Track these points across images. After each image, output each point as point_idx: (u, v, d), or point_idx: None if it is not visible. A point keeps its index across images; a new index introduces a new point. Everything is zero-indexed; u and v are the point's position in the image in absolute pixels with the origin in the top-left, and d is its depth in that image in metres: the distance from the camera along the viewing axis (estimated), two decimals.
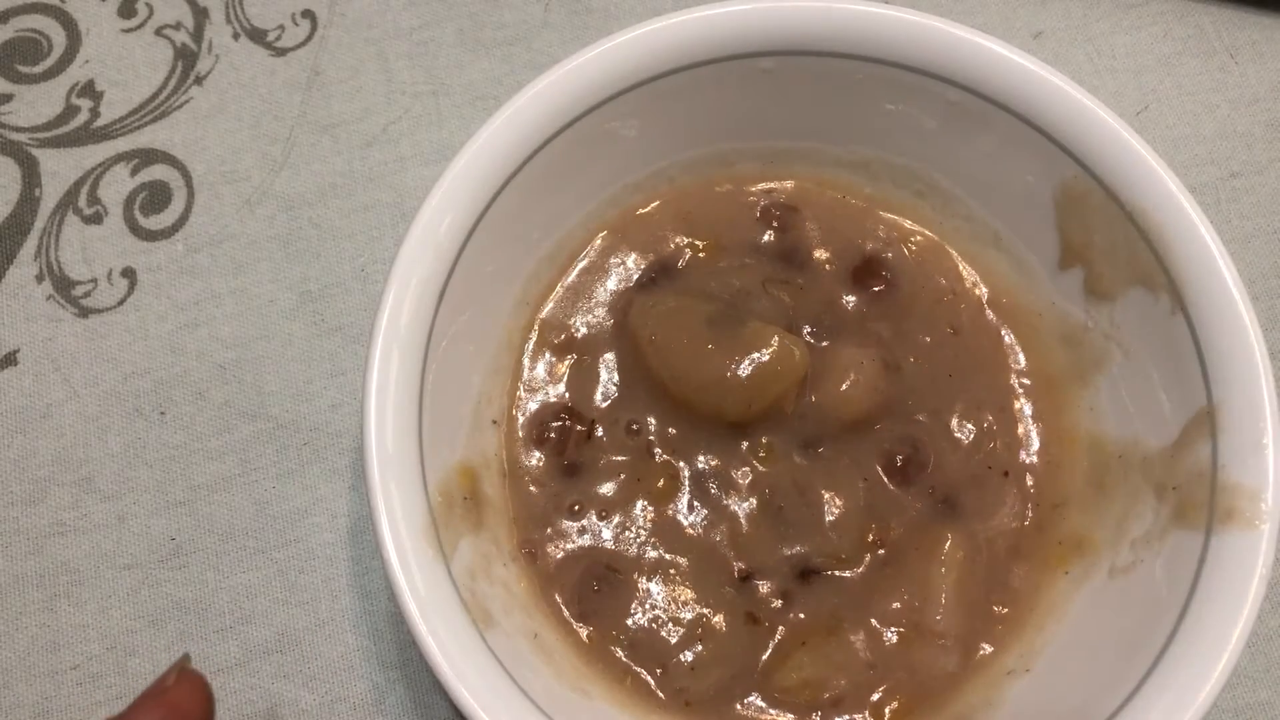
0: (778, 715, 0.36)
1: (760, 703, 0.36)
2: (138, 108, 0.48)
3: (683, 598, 0.37)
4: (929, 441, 0.39)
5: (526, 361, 0.40)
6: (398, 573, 0.31)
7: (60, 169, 0.47)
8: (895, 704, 0.36)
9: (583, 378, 0.40)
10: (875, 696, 0.36)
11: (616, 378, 0.40)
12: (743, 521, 0.38)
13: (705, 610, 0.37)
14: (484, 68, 0.49)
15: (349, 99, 0.48)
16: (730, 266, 0.41)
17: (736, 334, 0.37)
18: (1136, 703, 0.30)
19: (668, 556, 0.38)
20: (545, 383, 0.40)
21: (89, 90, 0.48)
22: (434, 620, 0.31)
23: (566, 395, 0.40)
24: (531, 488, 0.39)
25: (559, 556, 0.38)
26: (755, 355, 0.37)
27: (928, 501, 0.38)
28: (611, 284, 0.42)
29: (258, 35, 0.49)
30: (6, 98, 0.48)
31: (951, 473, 0.39)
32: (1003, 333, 0.41)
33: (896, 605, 0.37)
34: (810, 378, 0.39)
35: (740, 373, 0.37)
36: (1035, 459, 0.39)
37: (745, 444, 0.39)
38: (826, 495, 0.38)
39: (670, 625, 0.37)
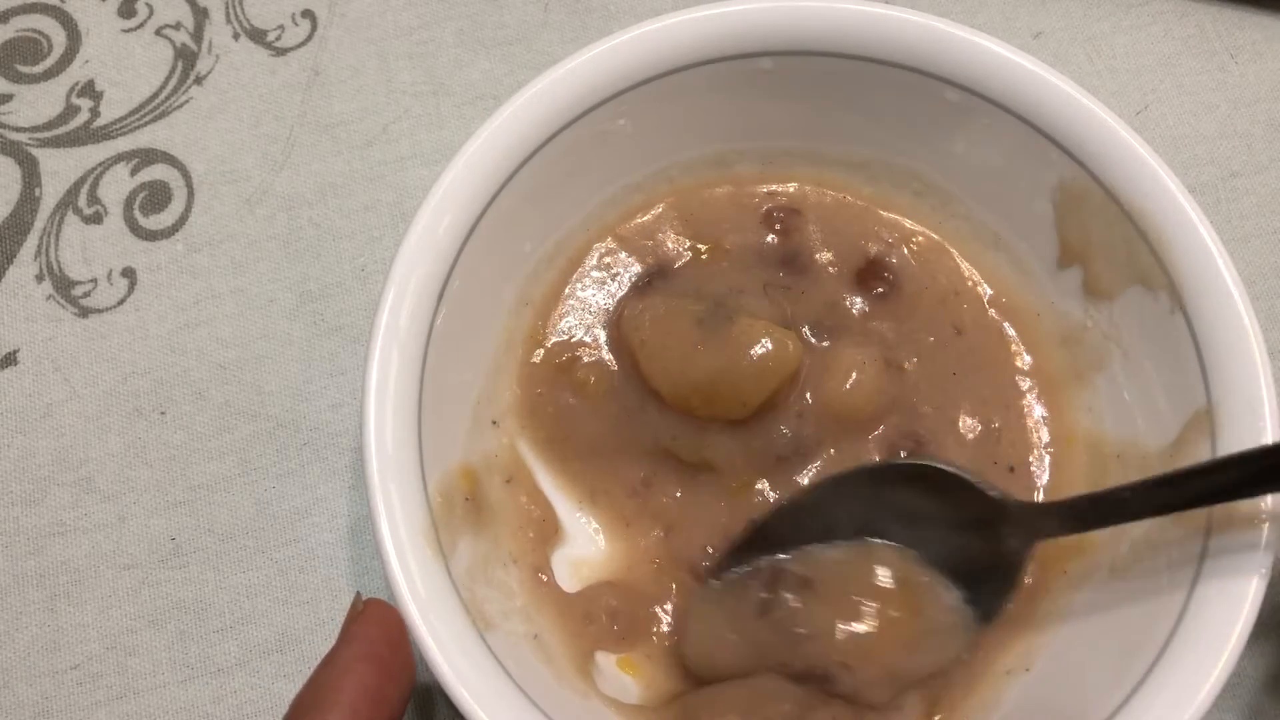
0: None
1: None
2: (138, 108, 0.48)
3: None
4: (932, 437, 0.39)
5: (528, 363, 0.40)
6: (397, 573, 0.31)
7: (60, 169, 0.47)
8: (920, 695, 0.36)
9: (584, 382, 0.40)
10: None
11: (617, 382, 0.40)
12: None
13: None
14: (484, 68, 0.49)
15: (349, 99, 0.48)
16: (731, 268, 0.41)
17: (726, 332, 0.37)
18: (1136, 703, 0.30)
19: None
20: (548, 386, 0.40)
21: (89, 90, 0.48)
22: (434, 621, 0.31)
23: (571, 401, 0.40)
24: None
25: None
26: (746, 351, 0.37)
27: None
28: (611, 286, 0.42)
29: (258, 35, 0.49)
30: (6, 98, 0.48)
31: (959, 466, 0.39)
32: (1005, 331, 0.41)
33: None
34: (812, 378, 0.39)
35: (732, 369, 0.37)
36: (1038, 456, 0.39)
37: (748, 444, 0.39)
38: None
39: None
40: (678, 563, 0.38)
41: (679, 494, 0.39)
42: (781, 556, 0.37)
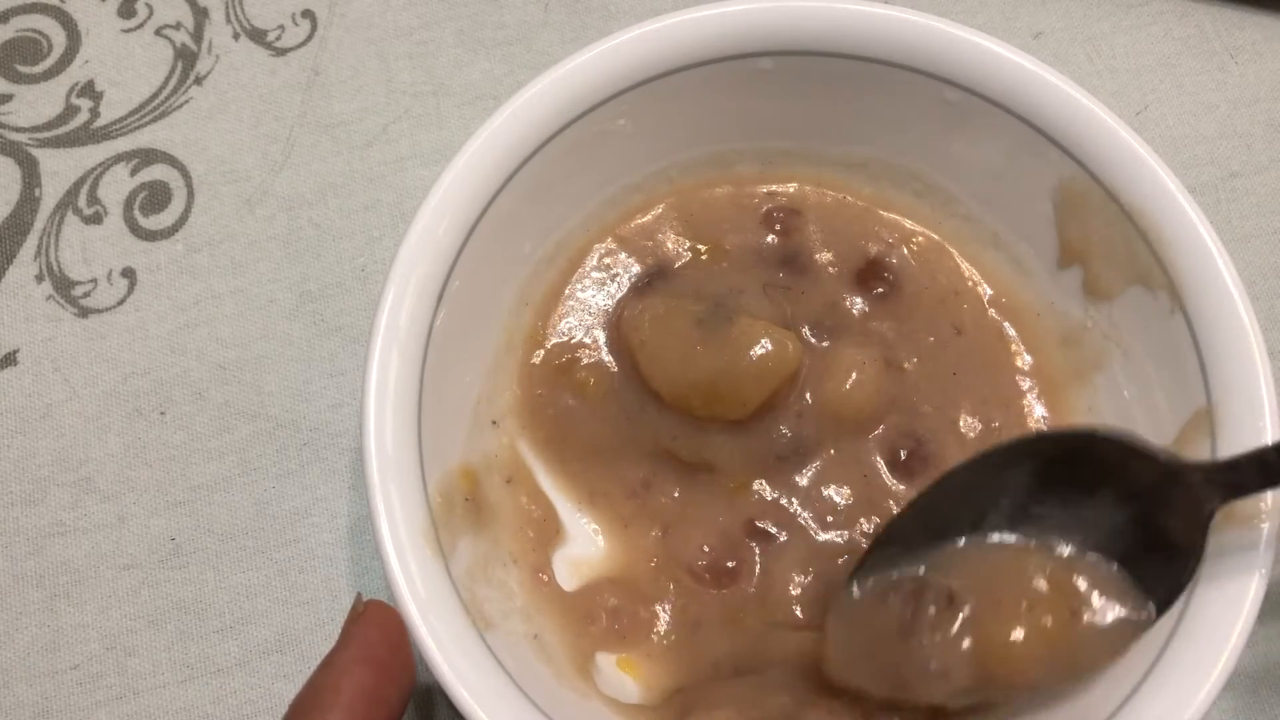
0: None
1: None
2: (138, 108, 0.48)
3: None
4: (933, 437, 0.39)
5: (528, 363, 0.40)
6: (397, 573, 0.31)
7: (60, 169, 0.47)
8: None
9: (583, 383, 0.40)
10: None
11: (616, 383, 0.40)
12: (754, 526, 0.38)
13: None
14: (484, 68, 0.49)
15: (349, 99, 0.48)
16: (731, 268, 0.41)
17: (725, 332, 0.37)
18: (1136, 703, 0.30)
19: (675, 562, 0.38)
20: (548, 387, 0.40)
21: (89, 90, 0.48)
22: (434, 621, 0.31)
23: (571, 403, 0.40)
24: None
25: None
26: (745, 351, 0.37)
27: None
28: (611, 287, 0.42)
29: (258, 35, 0.49)
30: (6, 98, 0.48)
31: None
32: (1005, 331, 0.41)
33: None
34: (812, 378, 0.39)
35: (732, 370, 0.37)
36: None
37: (747, 444, 0.39)
38: (832, 489, 0.38)
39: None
40: (676, 562, 0.38)
41: (677, 494, 0.39)
42: (922, 570, 0.33)
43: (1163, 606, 0.31)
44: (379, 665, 0.30)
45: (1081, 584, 0.32)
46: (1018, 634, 0.31)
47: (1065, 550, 0.32)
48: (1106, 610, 0.31)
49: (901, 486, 0.38)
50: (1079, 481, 0.32)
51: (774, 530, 0.38)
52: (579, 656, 0.36)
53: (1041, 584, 0.32)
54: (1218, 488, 0.31)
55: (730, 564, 0.38)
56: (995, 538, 0.33)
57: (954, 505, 0.34)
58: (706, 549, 0.38)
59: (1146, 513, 0.32)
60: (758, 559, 0.38)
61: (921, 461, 0.39)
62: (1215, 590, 0.31)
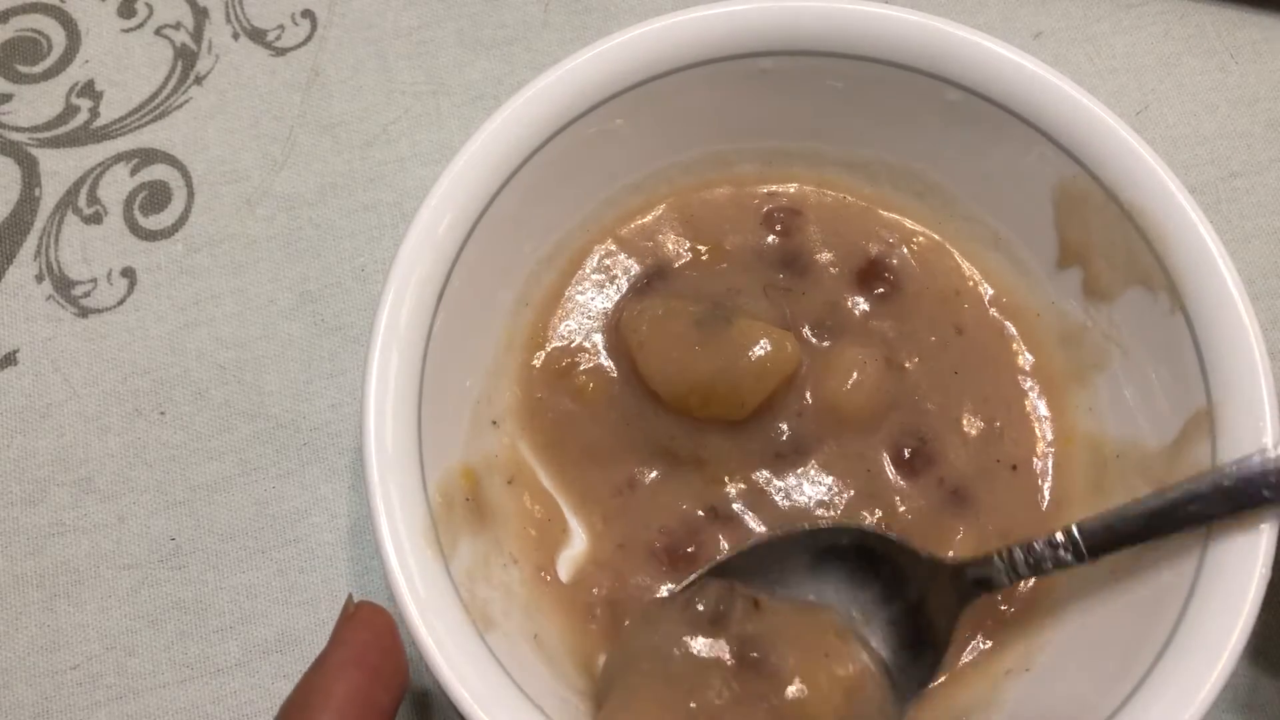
0: None
1: None
2: (138, 108, 0.48)
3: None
4: (935, 436, 0.39)
5: (528, 365, 0.40)
6: (397, 573, 0.31)
7: (60, 169, 0.47)
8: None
9: (583, 387, 0.40)
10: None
11: (615, 388, 0.40)
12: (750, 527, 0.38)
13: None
14: (484, 68, 0.49)
15: (349, 99, 0.48)
16: (731, 269, 0.41)
17: (724, 333, 0.37)
18: (1136, 703, 0.30)
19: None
20: (547, 390, 0.40)
21: (89, 90, 0.48)
22: (434, 621, 0.31)
23: (570, 407, 0.40)
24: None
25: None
26: (744, 352, 0.37)
27: (938, 493, 0.38)
28: (610, 288, 0.42)
29: (258, 35, 0.49)
30: (6, 98, 0.48)
31: (961, 465, 0.39)
32: (1006, 331, 0.41)
33: None
34: (813, 378, 0.39)
35: (730, 370, 0.37)
36: (1041, 455, 0.39)
37: (746, 444, 0.39)
38: (833, 485, 0.38)
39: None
40: (673, 562, 0.38)
41: (675, 496, 0.39)
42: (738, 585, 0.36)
43: (908, 699, 0.35)
44: (370, 668, 0.30)
45: (854, 657, 0.34)
46: (797, 683, 0.33)
47: (847, 622, 0.36)
48: (865, 694, 0.34)
49: (904, 483, 0.38)
50: (871, 571, 0.36)
51: (741, 513, 0.38)
52: (579, 656, 0.36)
53: (824, 643, 0.34)
54: (967, 583, 0.35)
55: (689, 549, 0.38)
56: (809, 597, 0.36)
57: (759, 570, 0.37)
58: (662, 531, 0.38)
59: (914, 605, 0.36)
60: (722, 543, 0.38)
61: (925, 460, 0.39)
62: (1215, 590, 0.31)
